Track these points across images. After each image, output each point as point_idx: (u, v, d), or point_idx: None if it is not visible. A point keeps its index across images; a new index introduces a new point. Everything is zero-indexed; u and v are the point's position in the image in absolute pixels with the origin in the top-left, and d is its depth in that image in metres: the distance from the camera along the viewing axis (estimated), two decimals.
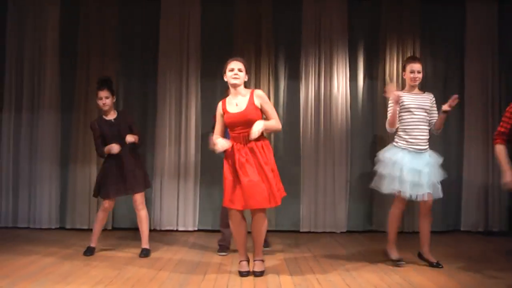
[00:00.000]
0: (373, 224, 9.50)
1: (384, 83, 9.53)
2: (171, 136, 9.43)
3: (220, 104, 6.42)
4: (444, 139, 9.32)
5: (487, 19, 9.73)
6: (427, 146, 6.88)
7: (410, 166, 6.67)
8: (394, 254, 6.96)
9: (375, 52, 9.71)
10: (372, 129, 9.59)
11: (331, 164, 9.44)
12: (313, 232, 9.24)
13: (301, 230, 9.39)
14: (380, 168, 6.90)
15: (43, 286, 5.75)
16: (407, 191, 6.68)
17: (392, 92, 6.79)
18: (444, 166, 6.92)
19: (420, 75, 6.95)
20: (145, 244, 7.44)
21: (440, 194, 6.84)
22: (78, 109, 9.39)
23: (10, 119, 9.48)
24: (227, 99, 6.41)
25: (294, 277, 6.19)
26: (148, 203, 8.75)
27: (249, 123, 6.12)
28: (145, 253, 7.31)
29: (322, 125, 9.50)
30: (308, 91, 9.55)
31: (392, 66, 9.63)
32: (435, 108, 6.99)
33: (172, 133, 9.44)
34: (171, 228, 9.35)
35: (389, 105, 6.88)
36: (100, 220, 7.47)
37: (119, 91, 9.30)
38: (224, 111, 6.31)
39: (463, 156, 9.55)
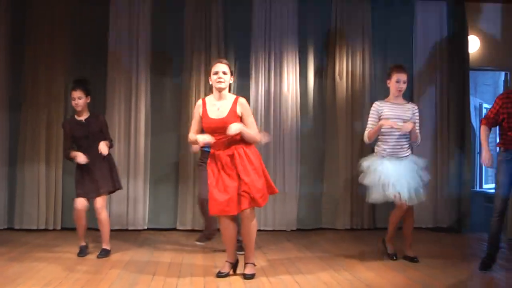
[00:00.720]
0: (323, 222, 9.55)
1: (333, 81, 9.62)
2: (120, 135, 9.34)
3: (200, 103, 6.23)
4: None
5: (435, 18, 9.90)
6: (408, 153, 6.95)
7: (389, 172, 6.74)
8: (390, 249, 7.11)
9: (325, 50, 9.77)
10: (322, 127, 9.64)
11: (281, 162, 9.47)
12: (263, 231, 9.26)
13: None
14: (363, 179, 6.96)
15: None
16: (396, 194, 6.73)
17: (388, 123, 6.79)
18: None
19: (405, 86, 7.01)
20: (106, 245, 7.36)
21: (421, 199, 6.90)
22: (26, 107, 9.24)
23: None
24: (208, 100, 6.21)
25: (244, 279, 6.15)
26: None
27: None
28: (103, 253, 7.23)
29: (272, 123, 9.51)
30: (258, 89, 9.55)
31: (341, 65, 9.72)
32: (417, 118, 7.04)
33: (121, 131, 9.35)
34: (120, 227, 9.25)
35: (371, 116, 6.97)
36: (76, 220, 7.35)
37: (67, 90, 9.16)
38: (204, 113, 6.13)
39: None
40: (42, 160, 9.16)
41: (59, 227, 9.13)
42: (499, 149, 6.50)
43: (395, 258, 7.01)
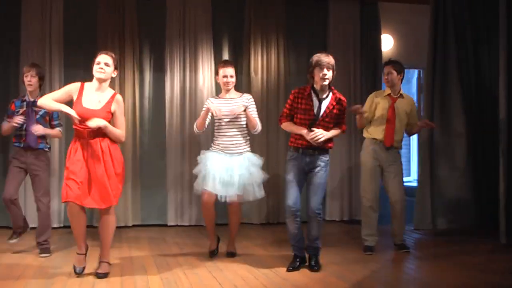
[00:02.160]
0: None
1: (248, 78, 9.69)
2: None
3: (78, 85, 6.06)
4: None
5: (349, 16, 10.07)
6: (242, 150, 6.94)
7: (213, 167, 6.75)
8: (211, 245, 7.09)
9: (240, 46, 9.81)
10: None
11: (196, 157, 9.42)
12: (180, 226, 9.24)
13: (168, 224, 9.37)
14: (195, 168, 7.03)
15: None
16: (214, 190, 6.71)
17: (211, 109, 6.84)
18: None
19: (233, 80, 7.02)
20: None
21: (250, 197, 6.88)
22: None
23: None
24: (87, 86, 6.06)
25: (162, 273, 6.14)
26: None
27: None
28: None
29: (188, 118, 9.46)
30: (173, 84, 9.50)
31: (256, 61, 9.76)
32: (253, 107, 7.02)
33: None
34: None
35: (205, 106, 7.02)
36: None
37: None
38: (79, 99, 5.96)
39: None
40: None
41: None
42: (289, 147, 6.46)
43: (215, 254, 7.04)
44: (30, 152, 7.01)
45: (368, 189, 7.27)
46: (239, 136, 6.90)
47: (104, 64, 5.99)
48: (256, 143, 9.25)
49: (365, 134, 7.47)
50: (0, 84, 9.15)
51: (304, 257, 6.41)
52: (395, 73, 7.30)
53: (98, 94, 6.02)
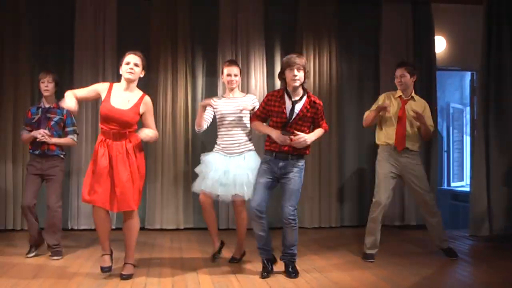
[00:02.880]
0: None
1: None
2: (88, 134, 9.27)
3: (107, 85, 6.12)
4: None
5: (401, 18, 9.95)
6: (242, 149, 6.83)
7: (215, 168, 6.72)
8: (214, 247, 7.04)
9: (292, 49, 9.70)
10: None
11: None
12: (231, 229, 9.26)
13: (220, 227, 9.32)
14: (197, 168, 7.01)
15: None
16: (210, 190, 6.69)
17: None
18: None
19: (237, 78, 6.98)
20: None
21: (245, 196, 6.69)
22: None
23: None
24: (116, 86, 6.10)
25: (213, 275, 6.18)
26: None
27: (124, 124, 5.97)
28: None
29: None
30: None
31: (309, 64, 9.67)
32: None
33: (88, 130, 9.29)
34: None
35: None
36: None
37: (34, 87, 9.09)
38: (107, 97, 6.00)
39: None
40: (9, 159, 9.06)
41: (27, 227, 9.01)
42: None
43: (216, 258, 6.99)
44: (45, 159, 7.10)
45: (379, 198, 7.06)
46: (240, 135, 6.83)
47: (133, 64, 6.01)
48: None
49: (377, 141, 7.29)
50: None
51: (274, 258, 6.39)
52: (408, 75, 7.13)
53: (127, 94, 6.06)
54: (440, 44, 10.07)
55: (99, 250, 6.40)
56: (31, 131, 7.10)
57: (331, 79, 9.78)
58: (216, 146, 6.95)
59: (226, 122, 6.82)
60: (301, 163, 6.22)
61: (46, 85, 7.13)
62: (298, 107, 6.07)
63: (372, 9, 9.97)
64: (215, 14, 9.64)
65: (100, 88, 6.11)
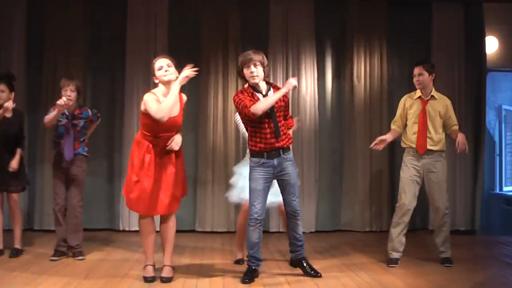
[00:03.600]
0: (342, 224, 9.58)
1: (351, 83, 9.63)
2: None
3: (155, 97, 5.89)
4: None
5: (453, 19, 9.83)
6: None
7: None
8: (238, 255, 7.04)
9: (343, 52, 9.77)
10: (340, 128, 9.63)
11: (300, 163, 9.40)
12: (282, 232, 9.25)
13: (270, 230, 9.39)
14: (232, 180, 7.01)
15: None
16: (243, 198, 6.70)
17: None
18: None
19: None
20: (17, 244, 7.44)
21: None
22: (44, 109, 9.29)
23: None
24: (160, 95, 5.95)
25: (264, 279, 6.16)
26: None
27: (177, 129, 6.04)
28: (15, 253, 7.31)
29: None
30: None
31: (359, 66, 9.69)
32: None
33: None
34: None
35: None
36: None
37: (86, 90, 9.22)
38: None
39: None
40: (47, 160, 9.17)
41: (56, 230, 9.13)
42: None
43: (241, 263, 6.90)
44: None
45: (402, 202, 6.94)
46: None
47: (166, 66, 5.99)
48: (358, 149, 9.28)
49: (402, 144, 7.15)
50: (106, 96, 9.50)
51: (257, 270, 6.21)
52: (426, 73, 6.94)
53: None
54: (492, 45, 9.93)
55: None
56: (60, 137, 7.16)
57: (382, 81, 9.73)
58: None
59: None
60: (291, 154, 6.19)
61: (69, 94, 7.06)
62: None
63: (422, 10, 9.86)
64: (266, 16, 9.66)
65: (155, 99, 5.93)
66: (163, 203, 5.96)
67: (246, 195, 6.41)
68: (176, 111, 5.95)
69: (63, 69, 9.24)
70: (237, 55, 9.21)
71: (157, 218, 6.13)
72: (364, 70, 9.70)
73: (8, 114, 7.02)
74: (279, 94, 5.95)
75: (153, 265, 6.13)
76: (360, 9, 9.72)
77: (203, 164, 9.34)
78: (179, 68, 6.05)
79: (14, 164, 7.19)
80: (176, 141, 5.97)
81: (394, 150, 9.30)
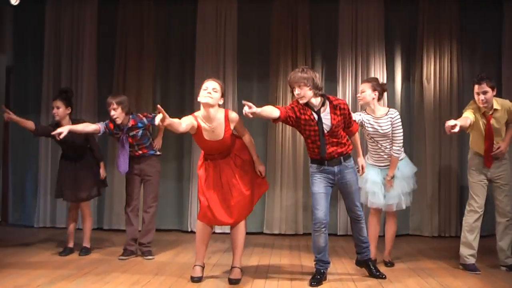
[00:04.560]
0: (411, 229, 9.52)
1: (421, 85, 9.53)
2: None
3: (195, 123, 5.98)
4: None
5: None
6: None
7: (373, 179, 6.81)
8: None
9: (412, 53, 9.69)
10: (409, 131, 9.51)
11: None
12: (350, 235, 9.19)
13: (338, 233, 9.40)
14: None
15: (81, 286, 5.86)
16: (373, 202, 6.86)
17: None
18: None
19: (362, 94, 6.93)
20: (87, 243, 7.66)
21: (402, 206, 6.93)
22: None
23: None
24: (201, 118, 6.03)
25: (331, 281, 6.17)
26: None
27: (226, 150, 6.13)
28: (85, 251, 7.54)
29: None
30: (345, 92, 9.56)
31: (429, 68, 9.59)
32: (397, 127, 6.82)
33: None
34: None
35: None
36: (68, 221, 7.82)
37: (156, 92, 9.39)
38: (199, 132, 6.04)
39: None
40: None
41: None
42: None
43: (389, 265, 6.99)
44: (142, 158, 7.35)
45: (476, 206, 6.81)
46: (386, 150, 6.88)
47: (212, 89, 5.97)
48: (428, 152, 9.17)
49: (470, 145, 7.01)
50: (176, 99, 9.70)
51: (325, 273, 6.20)
52: (490, 90, 6.60)
53: (213, 124, 6.03)
54: None
55: (220, 254, 6.48)
56: (118, 138, 7.32)
57: (452, 82, 9.59)
58: (367, 159, 7.01)
59: (372, 136, 6.90)
60: (352, 161, 6.20)
61: (114, 114, 7.15)
62: (325, 116, 5.97)
63: (493, 10, 9.69)
64: (335, 19, 9.68)
65: (193, 124, 5.98)
66: (227, 218, 6.11)
67: (370, 199, 6.81)
68: (218, 135, 6.04)
69: (133, 72, 9.51)
70: (306, 58, 9.34)
71: None
72: (434, 71, 9.59)
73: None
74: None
75: (202, 266, 6.24)
76: (430, 9, 9.61)
77: (271, 167, 9.40)
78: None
79: (102, 172, 7.69)
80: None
81: (463, 153, 9.18)
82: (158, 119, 5.64)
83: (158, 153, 7.46)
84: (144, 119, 7.29)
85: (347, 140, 6.16)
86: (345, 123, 6.10)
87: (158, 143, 7.52)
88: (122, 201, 8.95)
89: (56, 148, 8.81)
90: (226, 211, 6.08)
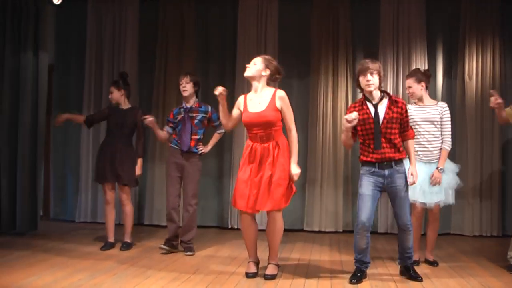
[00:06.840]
0: (452, 228, 9.45)
1: (463, 82, 9.43)
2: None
3: (242, 97, 6.41)
4: None
5: None
6: (438, 156, 6.84)
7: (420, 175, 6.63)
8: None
9: (454, 49, 9.59)
10: (450, 127, 9.40)
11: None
12: (390, 233, 9.15)
13: (379, 231, 9.34)
14: None
15: (122, 280, 5.92)
16: (417, 199, 6.79)
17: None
18: None
19: (410, 90, 6.98)
20: (128, 238, 7.75)
21: (450, 201, 6.93)
22: (156, 108, 9.58)
23: None
24: (249, 95, 6.34)
25: (371, 280, 6.16)
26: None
27: (266, 125, 6.10)
28: (125, 246, 7.61)
29: None
30: (386, 89, 9.39)
31: (471, 65, 9.47)
32: (446, 119, 6.90)
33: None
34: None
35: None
36: (106, 215, 7.86)
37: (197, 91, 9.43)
38: (245, 107, 6.26)
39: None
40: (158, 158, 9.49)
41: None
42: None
43: (416, 264, 6.82)
44: (185, 154, 7.39)
45: None
46: (436, 142, 6.89)
47: (252, 63, 6.28)
48: (469, 150, 9.08)
49: None
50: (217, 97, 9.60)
51: (365, 271, 6.21)
52: None
53: (258, 96, 6.24)
54: None
55: (265, 253, 6.48)
56: (174, 128, 7.50)
57: (494, 79, 9.47)
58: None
59: (417, 128, 6.88)
60: (404, 166, 6.16)
61: (184, 86, 7.44)
62: (381, 109, 6.02)
63: None
64: (376, 15, 9.64)
65: (239, 102, 6.42)
66: (262, 201, 6.04)
67: (415, 196, 6.73)
68: (261, 106, 6.16)
69: (174, 69, 9.53)
70: (347, 54, 9.29)
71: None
72: (476, 68, 9.48)
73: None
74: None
75: (255, 262, 6.28)
76: (472, 5, 9.50)
77: (312, 164, 9.42)
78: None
79: (138, 170, 7.72)
80: (295, 172, 6.14)
81: (506, 151, 9.09)
82: (218, 91, 6.19)
83: (200, 152, 7.50)
84: (209, 107, 7.51)
85: (403, 150, 6.14)
86: (401, 124, 6.11)
87: (207, 148, 7.59)
88: (162, 197, 9.08)
89: (96, 144, 8.94)
90: (261, 196, 6.03)
